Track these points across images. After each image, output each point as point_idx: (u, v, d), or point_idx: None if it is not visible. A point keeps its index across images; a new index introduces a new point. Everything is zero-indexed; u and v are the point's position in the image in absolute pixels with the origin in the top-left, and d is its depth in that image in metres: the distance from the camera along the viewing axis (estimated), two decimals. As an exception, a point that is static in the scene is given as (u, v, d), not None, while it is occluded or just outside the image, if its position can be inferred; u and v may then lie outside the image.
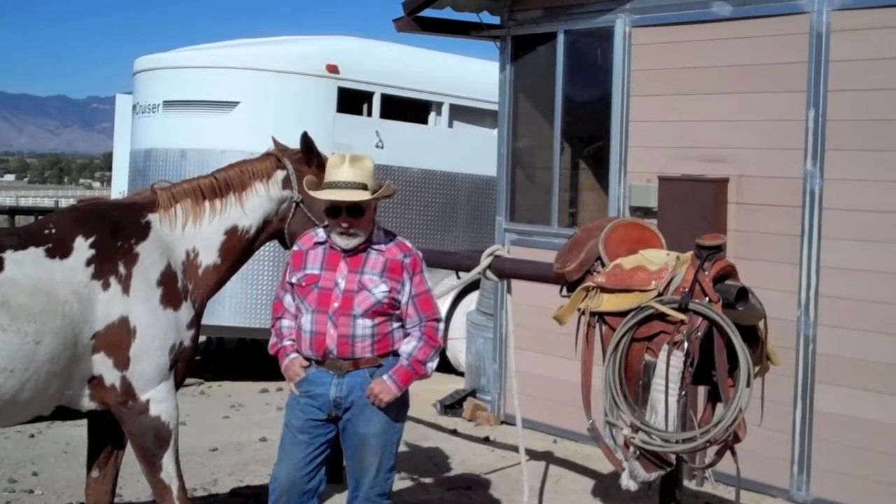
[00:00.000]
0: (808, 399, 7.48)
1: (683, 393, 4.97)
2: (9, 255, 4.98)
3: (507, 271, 6.68)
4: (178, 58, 12.21)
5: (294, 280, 5.17)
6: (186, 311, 5.41)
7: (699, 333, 4.92)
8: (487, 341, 10.15)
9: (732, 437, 4.99)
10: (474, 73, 12.82)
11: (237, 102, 11.30)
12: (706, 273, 5.02)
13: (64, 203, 33.71)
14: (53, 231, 5.20)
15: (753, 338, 5.11)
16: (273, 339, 5.29)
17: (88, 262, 5.15)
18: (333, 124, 11.41)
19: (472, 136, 12.76)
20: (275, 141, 5.93)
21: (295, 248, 5.32)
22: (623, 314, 5.16)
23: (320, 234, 5.23)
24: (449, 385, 10.86)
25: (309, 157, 5.72)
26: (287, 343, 5.21)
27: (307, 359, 5.14)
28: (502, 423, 9.73)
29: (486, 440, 9.24)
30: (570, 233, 6.63)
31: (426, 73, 12.54)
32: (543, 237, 9.22)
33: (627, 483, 5.16)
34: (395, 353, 5.13)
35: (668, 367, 4.92)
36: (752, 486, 7.50)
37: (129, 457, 5.56)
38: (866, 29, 7.24)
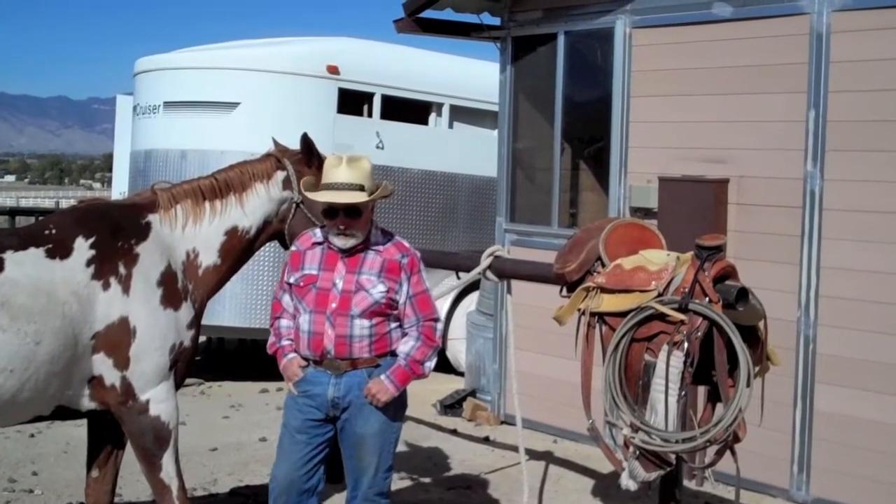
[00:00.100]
0: (808, 399, 7.48)
1: (683, 393, 4.97)
2: (9, 256, 4.99)
3: (507, 272, 6.68)
4: (179, 59, 12.22)
5: (292, 280, 5.18)
6: (186, 312, 5.41)
7: (699, 334, 4.92)
8: (487, 341, 10.15)
9: (732, 437, 4.99)
10: (475, 74, 12.83)
11: (237, 103, 11.31)
12: (706, 273, 5.02)
13: (64, 204, 33.73)
14: (54, 232, 5.21)
15: (753, 338, 5.11)
16: (272, 339, 5.30)
17: (88, 263, 5.15)
18: (334, 125, 11.42)
19: (472, 137, 12.76)
20: (275, 142, 5.93)
21: (293, 248, 5.32)
22: (623, 314, 5.17)
23: (318, 234, 5.24)
24: (449, 385, 10.87)
25: (309, 157, 5.72)
26: (285, 343, 5.22)
27: (305, 359, 5.15)
28: (502, 423, 9.74)
29: (486, 440, 9.24)
30: (571, 233, 6.63)
31: (426, 74, 12.55)
32: (543, 238, 9.22)
33: (627, 483, 5.16)
34: (394, 354, 5.13)
35: (668, 367, 4.92)
36: (752, 485, 7.50)
37: (129, 456, 5.56)
38: (867, 30, 7.24)
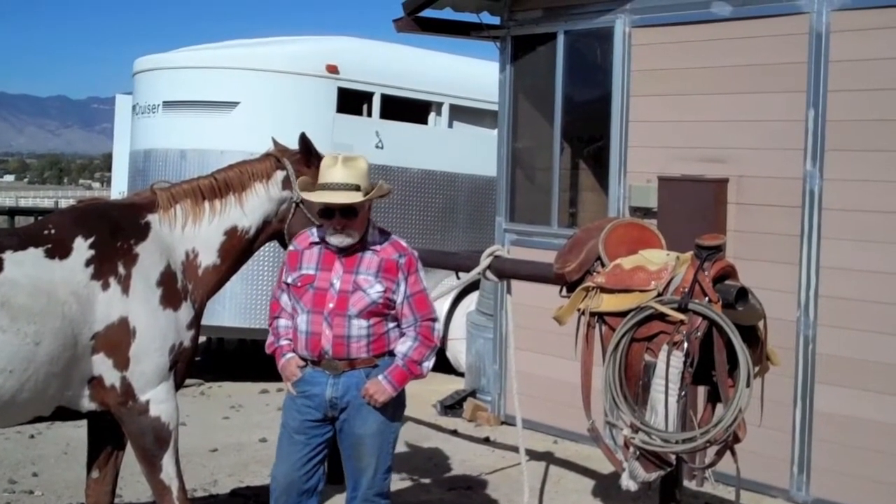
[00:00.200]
0: (808, 399, 7.48)
1: (683, 393, 4.97)
2: (8, 256, 4.98)
3: (506, 272, 6.68)
4: (178, 58, 12.21)
5: (290, 280, 5.17)
6: (186, 312, 5.41)
7: (699, 333, 4.92)
8: (487, 342, 10.15)
9: (732, 438, 5.00)
10: (474, 74, 12.82)
11: (237, 103, 11.30)
12: (706, 273, 5.02)
13: (63, 203, 33.71)
14: (53, 231, 5.20)
15: (753, 338, 5.11)
16: (270, 339, 5.30)
17: (88, 263, 5.15)
18: (333, 125, 11.41)
19: (472, 137, 12.75)
20: (274, 141, 5.93)
21: (291, 247, 5.32)
22: (623, 314, 5.17)
23: (316, 233, 5.23)
24: (449, 385, 10.87)
25: (308, 157, 5.72)
26: (284, 343, 5.21)
27: (303, 359, 5.15)
28: (502, 423, 9.73)
29: (487, 440, 9.24)
30: (570, 233, 6.63)
31: (426, 74, 12.54)
32: (543, 237, 9.22)
33: (627, 483, 5.16)
34: (392, 354, 5.13)
35: (668, 367, 4.92)
36: (752, 486, 7.50)
37: (129, 457, 5.56)
38: (866, 29, 7.24)
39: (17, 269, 4.97)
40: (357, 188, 4.99)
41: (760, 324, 5.16)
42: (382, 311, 5.07)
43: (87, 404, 5.24)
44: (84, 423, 5.60)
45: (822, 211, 7.42)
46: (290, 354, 5.18)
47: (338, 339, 5.05)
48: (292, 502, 5.15)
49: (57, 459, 8.29)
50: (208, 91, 11.44)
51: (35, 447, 8.63)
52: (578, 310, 5.42)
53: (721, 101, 8.04)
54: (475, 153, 12.34)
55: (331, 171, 5.03)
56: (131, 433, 5.32)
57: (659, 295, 5.07)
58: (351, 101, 11.79)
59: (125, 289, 5.20)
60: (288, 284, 5.19)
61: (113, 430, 5.47)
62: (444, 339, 11.73)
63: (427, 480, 8.01)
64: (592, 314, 5.33)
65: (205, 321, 5.90)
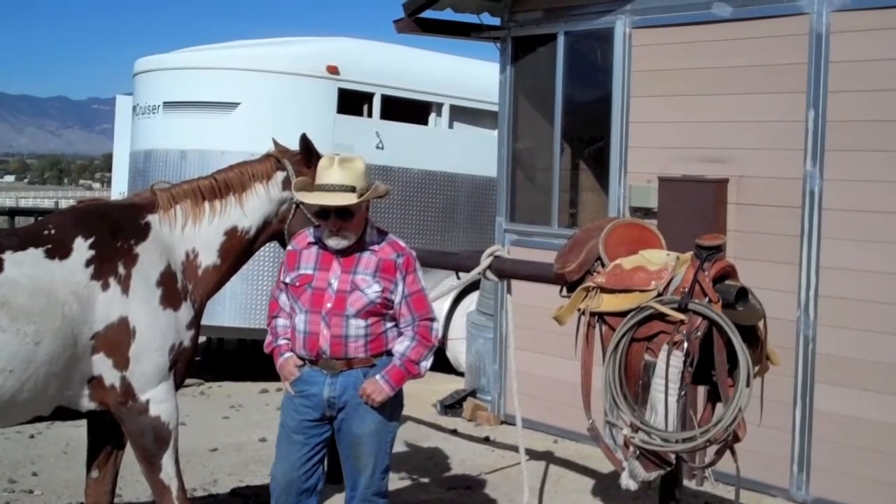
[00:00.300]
0: (808, 399, 7.48)
1: (683, 393, 4.98)
2: (8, 256, 4.98)
3: (507, 272, 6.68)
4: (179, 59, 12.22)
5: (288, 280, 5.18)
6: (186, 312, 5.41)
7: (699, 333, 4.93)
8: (487, 341, 10.15)
9: (732, 437, 5.00)
10: (474, 74, 12.82)
11: (237, 103, 11.31)
12: (706, 273, 5.03)
13: (64, 204, 33.74)
14: (53, 232, 5.21)
15: (753, 338, 5.11)
16: (268, 338, 5.31)
17: (88, 263, 5.15)
18: (334, 125, 11.42)
19: (472, 137, 12.76)
20: (275, 142, 5.93)
21: (289, 247, 5.33)
22: (623, 314, 5.17)
23: (315, 233, 5.24)
24: (449, 385, 10.87)
25: (308, 158, 5.72)
26: (282, 342, 5.22)
27: (301, 358, 5.16)
28: (502, 423, 9.73)
29: (487, 440, 9.24)
30: (570, 233, 6.63)
31: (426, 74, 12.55)
32: (543, 238, 9.22)
33: (627, 483, 5.16)
34: (390, 353, 5.13)
35: (668, 366, 4.93)
36: (752, 485, 7.50)
37: (129, 457, 5.56)
38: (866, 30, 7.24)
39: (17, 269, 4.97)
40: (353, 189, 4.99)
41: (760, 324, 5.17)
42: (380, 310, 5.07)
43: (87, 404, 5.24)
44: (84, 422, 5.60)
45: (822, 211, 7.43)
46: (288, 354, 5.19)
47: (335, 339, 5.05)
48: (292, 502, 5.15)
49: (57, 459, 8.30)
50: (209, 92, 11.44)
51: (35, 447, 8.63)
52: (578, 310, 5.42)
53: (721, 101, 8.04)
54: (475, 154, 12.34)
55: (327, 173, 5.04)
56: (131, 433, 5.32)
57: (659, 295, 5.07)
58: (351, 102, 11.80)
59: (125, 289, 5.20)
60: (286, 284, 5.19)
61: (113, 429, 5.47)
62: (445, 338, 11.74)
63: (427, 480, 8.02)
64: (592, 314, 5.33)
65: (205, 321, 5.91)
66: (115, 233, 5.29)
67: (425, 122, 12.66)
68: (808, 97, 7.47)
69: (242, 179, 5.69)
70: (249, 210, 5.67)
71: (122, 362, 5.18)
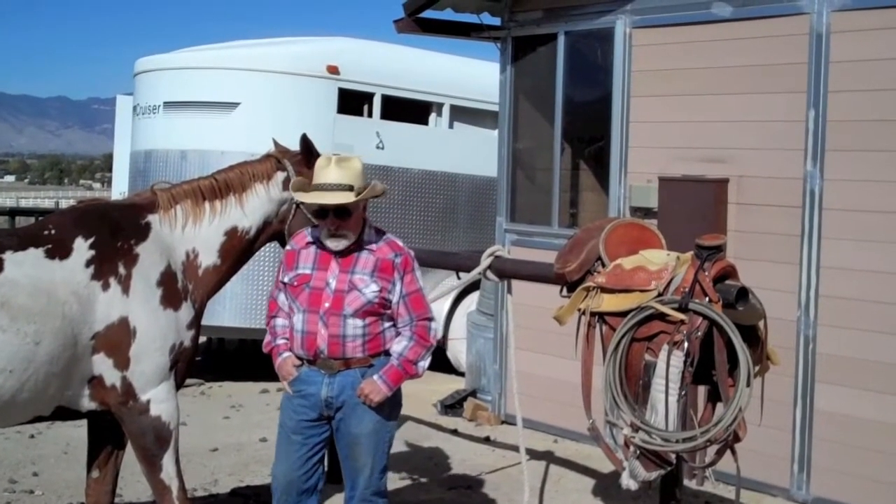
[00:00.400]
0: (809, 398, 7.49)
1: (683, 392, 4.98)
2: (8, 256, 4.99)
3: (507, 272, 6.68)
4: (179, 59, 12.22)
5: (286, 280, 5.18)
6: (186, 312, 5.42)
7: (699, 333, 4.93)
8: (488, 341, 10.16)
9: (732, 437, 5.00)
10: (475, 74, 12.82)
11: (238, 103, 11.31)
12: (706, 273, 5.03)
13: (64, 204, 33.74)
14: (53, 232, 5.21)
15: (753, 338, 5.11)
16: (267, 338, 5.31)
17: (88, 263, 5.15)
18: (334, 125, 11.42)
19: (472, 137, 12.76)
20: (275, 142, 5.94)
21: (288, 247, 5.34)
22: (623, 314, 5.17)
23: (313, 233, 5.24)
24: (449, 385, 10.88)
25: (308, 158, 5.72)
26: (280, 342, 5.23)
27: (299, 358, 5.16)
28: (503, 422, 9.74)
29: (487, 440, 9.24)
30: (571, 233, 6.63)
31: (427, 74, 12.55)
32: (544, 238, 9.23)
33: (628, 482, 5.16)
34: (387, 353, 5.13)
35: (669, 366, 4.93)
36: (753, 485, 7.50)
37: (130, 457, 5.56)
38: (866, 30, 7.24)
39: (17, 269, 4.97)
40: (350, 189, 4.99)
41: (761, 323, 5.17)
42: (378, 310, 5.07)
43: (88, 404, 5.24)
44: (84, 422, 5.60)
45: (823, 211, 7.43)
46: (287, 354, 5.19)
47: (333, 339, 5.05)
48: (292, 502, 5.16)
49: (57, 459, 8.30)
50: (209, 92, 11.44)
51: (35, 447, 8.63)
52: (579, 310, 5.42)
53: (722, 101, 8.04)
54: (476, 154, 12.35)
55: (324, 172, 5.04)
56: (132, 433, 5.32)
57: (659, 295, 5.07)
58: (351, 102, 11.80)
59: (125, 289, 5.20)
60: (284, 284, 5.20)
61: (113, 429, 5.48)
62: (445, 338, 11.75)
63: (427, 480, 8.02)
64: (593, 314, 5.33)
65: (205, 321, 5.91)
66: (115, 233, 5.29)
67: (426, 122, 12.66)
68: (809, 97, 7.47)
69: (243, 180, 5.69)
70: (250, 210, 5.67)
71: (122, 362, 5.18)
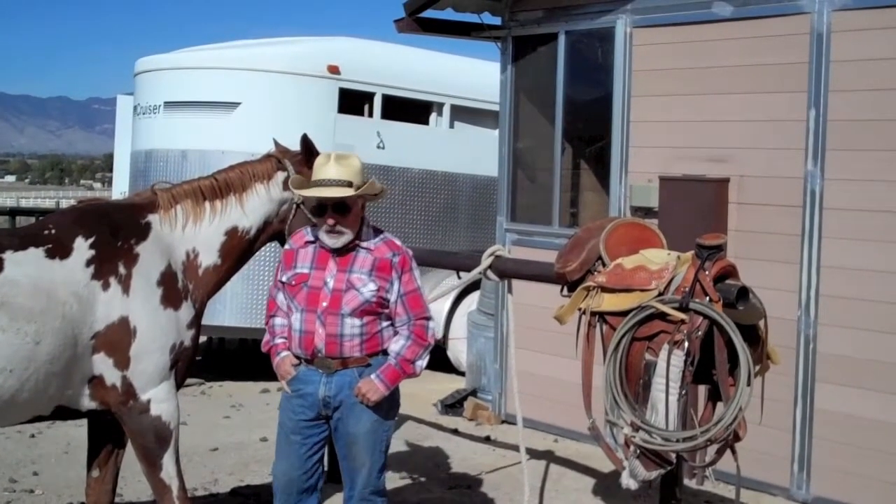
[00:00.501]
0: (809, 398, 7.48)
1: (684, 392, 4.98)
2: (8, 256, 4.98)
3: (507, 271, 6.68)
4: (179, 59, 12.22)
5: (284, 279, 5.18)
6: (187, 311, 5.42)
7: (700, 333, 4.92)
8: (488, 341, 10.16)
9: (733, 436, 5.00)
10: (475, 74, 12.83)
11: (238, 103, 11.31)
12: (707, 273, 5.02)
13: (65, 204, 33.74)
14: (53, 232, 5.21)
15: (754, 337, 5.11)
16: (266, 337, 5.31)
17: (88, 263, 5.15)
18: (334, 125, 11.43)
19: (473, 137, 12.77)
20: (276, 142, 5.94)
21: (286, 246, 5.34)
22: (624, 314, 5.17)
23: (312, 232, 5.24)
24: (450, 385, 10.88)
25: (309, 158, 5.71)
26: (279, 341, 5.22)
27: (297, 357, 5.16)
28: (503, 422, 9.74)
29: (487, 439, 9.24)
30: (571, 233, 6.63)
31: (427, 74, 12.55)
32: (544, 237, 9.23)
33: (628, 482, 5.16)
34: (385, 352, 5.13)
35: (669, 366, 4.93)
36: (753, 484, 7.50)
37: (130, 457, 5.56)
38: (867, 29, 7.24)
39: (17, 268, 4.97)
40: (349, 184, 5.00)
41: (761, 323, 5.17)
42: (376, 309, 5.07)
43: (88, 403, 5.24)
44: (84, 422, 5.60)
45: (823, 210, 7.43)
46: (285, 353, 5.19)
47: (331, 338, 5.05)
48: (293, 501, 5.17)
49: (58, 459, 8.30)
50: (209, 91, 11.45)
51: (36, 446, 8.63)
52: (579, 309, 5.42)
53: (722, 100, 8.04)
54: (476, 153, 12.35)
55: (324, 169, 5.05)
56: (132, 432, 5.33)
57: (660, 294, 5.07)
58: (352, 102, 11.81)
59: (126, 289, 5.20)
60: (283, 283, 5.20)
61: (113, 429, 5.48)
62: (445, 338, 11.76)
63: (428, 479, 8.01)
64: (593, 313, 5.33)
65: (206, 321, 5.91)
66: (115, 232, 5.29)
67: (426, 122, 12.67)
68: (809, 96, 7.47)
69: (243, 179, 5.69)
70: (250, 210, 5.67)
71: (122, 362, 5.18)
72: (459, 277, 7.94)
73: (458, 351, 11.70)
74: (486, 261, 6.60)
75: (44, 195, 74.91)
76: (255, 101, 11.29)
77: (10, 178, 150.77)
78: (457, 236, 12.48)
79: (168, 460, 5.33)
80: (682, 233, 5.98)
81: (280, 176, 5.73)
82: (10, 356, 4.87)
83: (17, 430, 8.59)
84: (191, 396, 10.70)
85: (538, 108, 9.81)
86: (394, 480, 7.60)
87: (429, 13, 9.77)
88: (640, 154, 8.61)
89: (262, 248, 6.00)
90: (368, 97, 11.97)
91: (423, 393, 10.28)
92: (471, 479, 8.08)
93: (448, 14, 9.76)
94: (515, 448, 7.79)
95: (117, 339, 5.17)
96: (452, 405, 10.25)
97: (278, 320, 5.25)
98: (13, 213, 24.78)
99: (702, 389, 5.39)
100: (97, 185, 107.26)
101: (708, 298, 4.98)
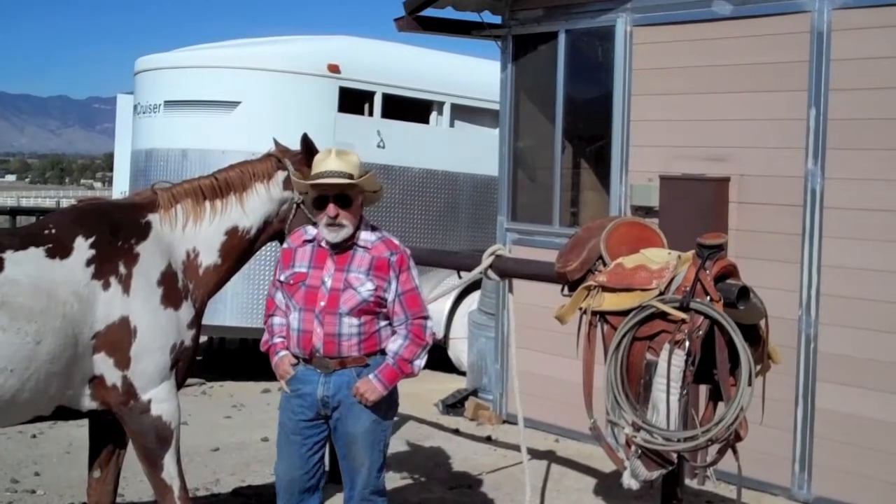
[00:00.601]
0: (810, 397, 7.48)
1: (685, 392, 4.97)
2: (9, 256, 4.98)
3: (508, 271, 6.68)
4: (180, 58, 12.22)
5: (283, 278, 5.18)
6: (187, 311, 5.41)
7: (700, 332, 4.92)
8: (489, 341, 10.15)
9: (734, 436, 5.00)
10: (475, 73, 12.82)
11: (238, 102, 11.31)
12: (707, 272, 5.02)
13: (65, 203, 33.74)
14: (53, 231, 5.21)
15: (755, 336, 5.11)
16: (265, 337, 5.31)
17: (89, 263, 5.15)
18: (335, 124, 11.42)
19: (473, 136, 12.76)
20: (276, 142, 5.93)
21: (285, 245, 5.34)
22: (624, 313, 5.17)
23: (310, 231, 5.24)
24: (451, 384, 10.88)
25: (309, 157, 5.70)
26: (277, 340, 5.22)
27: (296, 357, 5.16)
28: (504, 422, 9.73)
29: (488, 439, 9.24)
30: (572, 232, 6.63)
31: (427, 73, 12.55)
32: (545, 237, 9.22)
33: (629, 482, 5.16)
34: (383, 352, 5.12)
35: (670, 366, 4.92)
36: (754, 484, 7.50)
37: (131, 457, 5.56)
38: (867, 28, 7.24)
39: (17, 268, 4.97)
40: (350, 177, 5.02)
41: (762, 322, 5.16)
42: (374, 309, 5.06)
43: (89, 403, 5.24)
44: (86, 422, 5.60)
45: (824, 209, 7.42)
46: (284, 352, 5.19)
47: (328, 338, 5.05)
48: (295, 500, 5.17)
49: (59, 459, 8.30)
50: (210, 91, 11.44)
51: (37, 447, 8.63)
52: (580, 309, 5.42)
53: (722, 99, 8.04)
54: (477, 152, 12.34)
55: (325, 162, 5.07)
56: (133, 432, 5.32)
57: (660, 294, 5.07)
58: (352, 101, 11.80)
59: (126, 288, 5.20)
60: (281, 282, 5.19)
61: (114, 429, 5.48)
62: (446, 338, 11.76)
63: (428, 479, 8.01)
64: (594, 313, 5.33)
65: (206, 321, 5.91)
66: (115, 232, 5.29)
67: (426, 121, 12.66)
68: (810, 95, 7.47)
69: (243, 179, 5.69)
70: (250, 210, 5.67)
71: (123, 362, 5.18)
72: (460, 277, 7.93)
73: (458, 351, 11.70)
74: (486, 260, 6.60)
75: (44, 194, 74.95)
76: (255, 100, 11.29)
77: (11, 178, 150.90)
78: (457, 236, 12.47)
79: (169, 460, 5.33)
80: (682, 232, 5.98)
81: (280, 175, 5.73)
82: (11, 356, 4.87)
83: (18, 431, 8.59)
84: (192, 396, 10.70)
85: (538, 107, 9.80)
86: (395, 480, 7.60)
87: (429, 12, 9.76)
88: (641, 153, 8.60)
89: (263, 248, 6.00)
90: (368, 96, 11.97)
91: (424, 393, 10.27)
92: (472, 479, 8.07)
93: (448, 13, 9.76)
94: (516, 448, 7.78)
95: (118, 339, 5.16)
96: (453, 405, 10.24)
97: (277, 319, 5.25)
98: (13, 212, 24.79)
99: (703, 389, 5.38)
100: (97, 184, 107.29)
101: (709, 298, 4.97)
